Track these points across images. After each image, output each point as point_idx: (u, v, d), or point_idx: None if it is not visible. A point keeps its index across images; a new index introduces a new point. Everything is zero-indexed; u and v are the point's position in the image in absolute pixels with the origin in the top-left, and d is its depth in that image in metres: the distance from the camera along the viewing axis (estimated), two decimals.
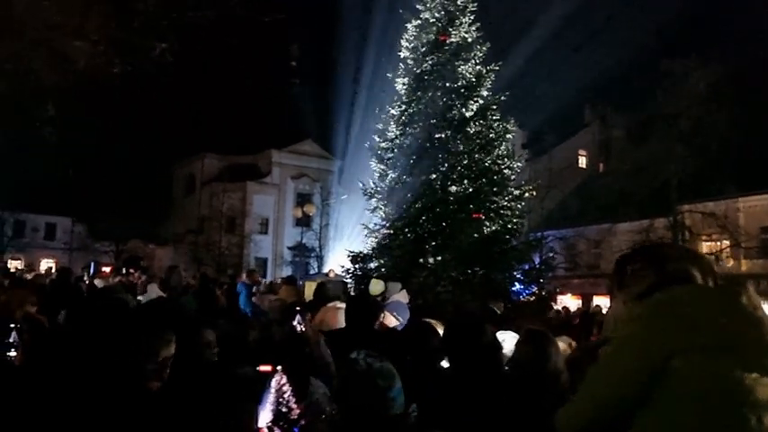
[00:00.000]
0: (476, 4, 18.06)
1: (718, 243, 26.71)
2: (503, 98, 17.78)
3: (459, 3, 17.80)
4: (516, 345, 3.38)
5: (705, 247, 27.26)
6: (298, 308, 4.97)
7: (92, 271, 22.33)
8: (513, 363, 3.23)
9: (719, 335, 1.81)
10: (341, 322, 5.04)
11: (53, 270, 23.44)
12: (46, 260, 42.42)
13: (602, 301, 26.87)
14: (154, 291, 7.33)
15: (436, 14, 17.70)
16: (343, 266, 17.55)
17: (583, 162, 42.17)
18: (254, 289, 12.29)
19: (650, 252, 2.11)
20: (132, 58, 4.83)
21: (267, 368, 2.69)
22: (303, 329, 4.23)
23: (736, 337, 1.82)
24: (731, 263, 26.43)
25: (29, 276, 12.54)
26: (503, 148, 17.35)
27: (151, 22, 4.52)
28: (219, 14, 4.80)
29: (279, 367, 2.66)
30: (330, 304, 6.12)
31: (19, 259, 39.76)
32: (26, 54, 4.56)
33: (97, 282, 12.98)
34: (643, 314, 1.90)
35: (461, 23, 17.73)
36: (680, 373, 1.79)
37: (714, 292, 1.93)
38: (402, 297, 9.59)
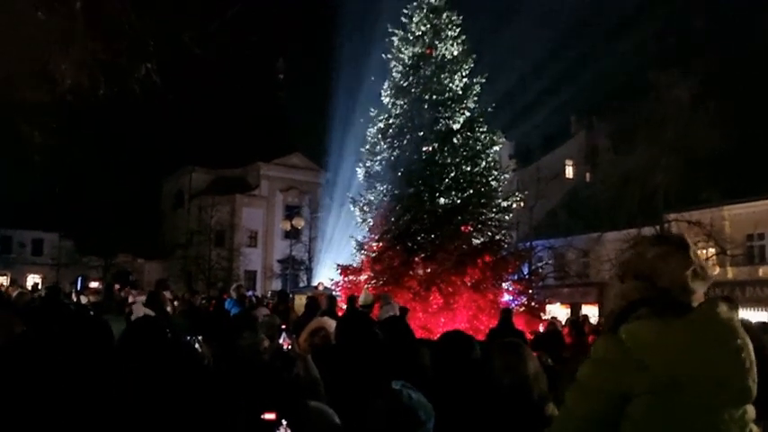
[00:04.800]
0: (461, 18, 18.21)
1: (705, 251, 26.91)
2: (489, 110, 17.92)
3: (444, 17, 17.93)
4: (492, 358, 3.41)
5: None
6: (283, 326, 4.97)
7: (79, 286, 22.15)
8: (491, 376, 3.26)
9: (667, 379, 1.84)
10: None
11: (39, 286, 23.26)
12: (32, 276, 42.07)
13: (591, 310, 27.02)
14: (140, 310, 7.25)
15: (422, 28, 17.82)
16: (332, 279, 17.55)
17: (570, 172, 42.39)
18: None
19: (647, 261, 2.05)
20: (117, 80, 4.85)
21: (272, 416, 2.68)
22: (289, 348, 4.23)
23: (687, 379, 1.84)
24: (717, 270, 26.61)
25: (12, 295, 12.39)
26: (490, 159, 17.45)
27: (135, 43, 4.53)
28: (204, 34, 4.82)
29: (284, 421, 2.64)
30: (325, 319, 6.10)
31: (5, 275, 39.43)
32: (9, 73, 4.56)
33: (83, 298, 12.87)
34: (596, 356, 1.98)
35: (447, 37, 17.86)
36: (633, 417, 1.85)
37: (679, 330, 1.89)
38: (393, 309, 9.63)
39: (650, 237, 2.12)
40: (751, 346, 1.91)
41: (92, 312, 9.02)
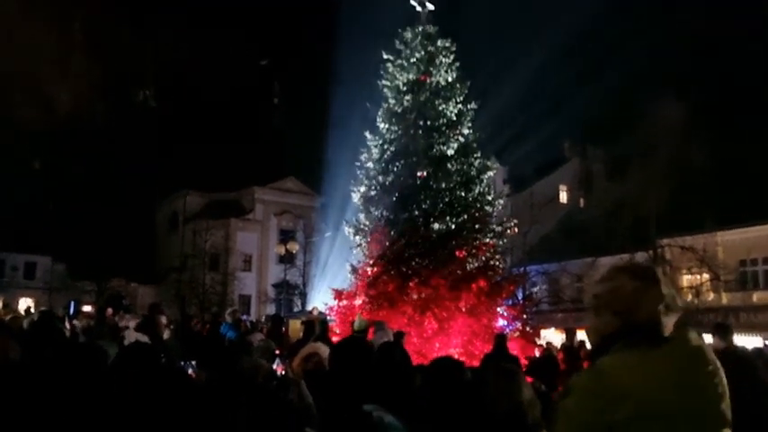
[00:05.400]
0: (455, 45, 18.43)
1: (698, 276, 26.99)
2: (483, 136, 18.06)
3: (439, 44, 18.16)
4: (487, 383, 3.43)
5: (685, 280, 27.54)
6: (277, 351, 4.98)
7: (71, 311, 21.98)
8: (484, 401, 3.28)
9: (648, 406, 1.89)
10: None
11: (32, 310, 23.09)
12: (25, 299, 41.79)
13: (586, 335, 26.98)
14: (132, 335, 7.17)
15: (417, 55, 18.02)
16: (326, 304, 17.49)
17: (564, 197, 42.61)
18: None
19: (624, 297, 2.10)
20: (116, 104, 4.91)
21: None
22: (284, 373, 4.23)
23: (667, 406, 1.89)
24: (711, 296, 26.68)
25: (6, 318, 12.31)
26: (484, 185, 17.55)
27: (134, 69, 4.60)
28: (203, 59, 4.90)
29: None
30: (318, 344, 6.08)
31: None
32: (12, 100, 4.60)
33: (77, 323, 12.79)
34: (578, 387, 2.03)
35: (442, 63, 18.06)
36: None
37: (657, 359, 1.96)
38: (387, 335, 9.63)
39: (625, 269, 2.16)
40: (722, 372, 1.99)
41: (84, 338, 8.98)
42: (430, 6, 18.63)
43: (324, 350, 5.03)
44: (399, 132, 17.71)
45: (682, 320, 2.06)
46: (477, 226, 16.73)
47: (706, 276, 26.58)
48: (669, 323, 2.03)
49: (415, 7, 18.63)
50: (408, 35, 18.27)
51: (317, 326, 10.17)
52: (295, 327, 15.58)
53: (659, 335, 2.00)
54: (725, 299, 26.96)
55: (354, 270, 17.47)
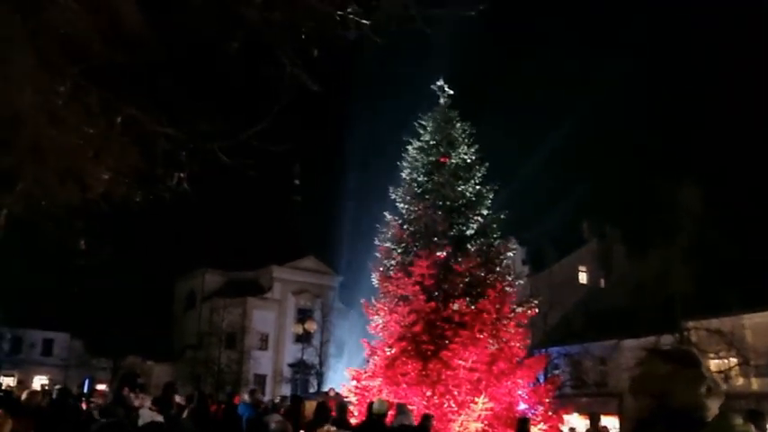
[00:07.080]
0: (474, 128, 18.80)
1: (727, 361, 26.23)
2: (502, 216, 18.11)
3: (458, 127, 18.55)
4: None
5: (714, 364, 26.76)
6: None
7: (86, 388, 21.79)
8: None
9: None
10: None
11: (47, 387, 22.89)
12: (39, 377, 41.59)
13: (611, 422, 26.00)
14: (146, 414, 7.06)
15: (437, 137, 18.38)
16: (343, 384, 17.18)
17: (583, 278, 42.22)
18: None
19: (657, 380, 2.06)
20: (152, 188, 5.09)
21: None
22: None
23: None
24: (741, 381, 25.84)
25: (22, 397, 12.23)
26: (503, 265, 17.48)
27: (170, 154, 4.79)
28: (233, 144, 5.10)
29: None
30: (327, 428, 5.98)
31: (12, 376, 39.14)
32: (46, 179, 4.78)
33: (93, 402, 12.67)
34: None
35: (460, 145, 18.38)
36: None
37: None
38: (408, 419, 9.43)
39: (659, 352, 2.13)
40: None
41: (100, 417, 8.86)
42: (450, 91, 19.17)
43: None
44: (419, 212, 17.83)
45: (725, 405, 2.00)
46: (497, 306, 16.55)
47: (734, 360, 25.83)
48: (714, 407, 1.98)
49: (435, 91, 19.18)
50: (429, 119, 18.69)
51: (333, 408, 9.97)
52: (311, 407, 15.26)
53: (699, 420, 1.95)
54: (755, 384, 26.07)
55: (373, 350, 17.23)
